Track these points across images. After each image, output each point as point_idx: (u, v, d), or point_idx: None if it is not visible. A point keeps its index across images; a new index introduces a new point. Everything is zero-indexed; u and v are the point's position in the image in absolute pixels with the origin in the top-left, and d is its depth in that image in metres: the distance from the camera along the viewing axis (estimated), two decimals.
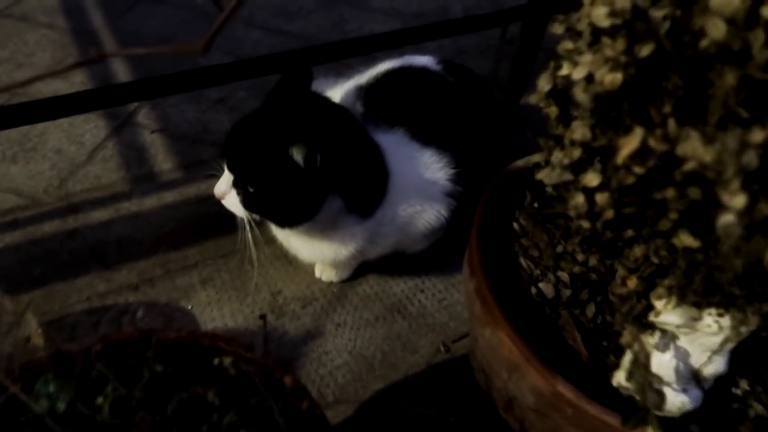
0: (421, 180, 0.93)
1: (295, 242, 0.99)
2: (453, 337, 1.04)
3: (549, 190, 0.83)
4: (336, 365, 0.98)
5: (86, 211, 1.15)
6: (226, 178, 0.88)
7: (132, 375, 0.51)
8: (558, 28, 0.55)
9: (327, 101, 0.92)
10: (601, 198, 0.54)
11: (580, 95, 0.52)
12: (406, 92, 0.99)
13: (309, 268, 1.10)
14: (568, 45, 0.54)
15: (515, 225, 0.76)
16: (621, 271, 0.66)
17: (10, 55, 1.47)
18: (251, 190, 0.85)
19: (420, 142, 0.94)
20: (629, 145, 0.43)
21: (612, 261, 0.69)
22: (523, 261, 0.73)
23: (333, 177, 0.85)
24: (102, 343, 0.55)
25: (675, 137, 0.44)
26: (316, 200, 0.86)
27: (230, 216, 0.99)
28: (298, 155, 0.81)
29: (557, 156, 0.54)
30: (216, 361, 0.53)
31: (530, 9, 1.29)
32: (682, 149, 0.43)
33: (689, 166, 0.43)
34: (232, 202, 0.89)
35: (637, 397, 0.56)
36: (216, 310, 1.03)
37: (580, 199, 0.54)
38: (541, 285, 0.71)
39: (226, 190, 0.88)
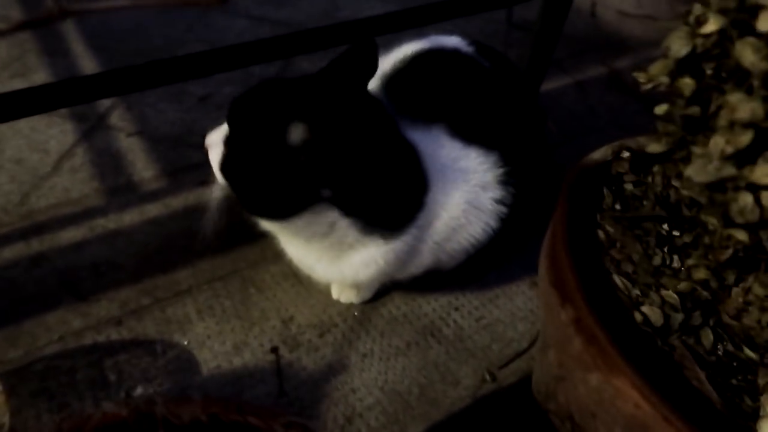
0: (468, 187, 0.77)
1: (308, 258, 0.82)
2: (498, 363, 0.89)
3: (629, 188, 0.68)
4: (366, 405, 0.82)
5: (54, 231, 0.97)
6: (222, 131, 0.73)
7: None
8: None
9: (371, 98, 0.75)
10: None
11: (751, 57, 0.37)
12: (441, 80, 0.84)
13: (324, 288, 0.94)
14: None
15: (600, 233, 0.61)
16: (758, 290, 0.51)
17: None
18: (233, 151, 0.70)
19: (463, 139, 0.78)
20: None
21: (737, 276, 0.54)
22: (617, 279, 0.58)
23: (342, 191, 0.69)
24: (87, 428, 0.38)
25: None
26: (298, 198, 0.70)
27: (227, 231, 0.82)
28: (295, 134, 0.66)
29: (716, 143, 0.38)
30: None
31: None
32: None
33: None
34: (214, 157, 0.73)
35: None
36: (217, 345, 0.86)
37: (747, 200, 0.39)
38: (645, 309, 0.56)
39: (215, 142, 0.73)
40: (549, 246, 0.60)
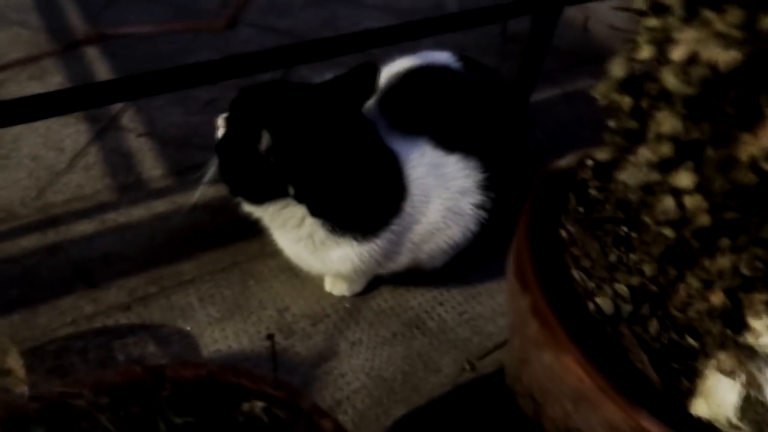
0: (448, 193, 0.84)
1: (291, 248, 0.90)
2: (478, 354, 0.96)
3: (593, 192, 0.75)
4: (353, 389, 0.89)
5: (68, 223, 1.05)
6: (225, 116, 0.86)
7: (143, 429, 0.42)
8: (641, 2, 0.47)
9: (352, 114, 0.83)
10: (693, 201, 0.46)
11: (673, 80, 0.44)
12: (430, 94, 0.91)
13: (318, 281, 1.01)
14: (651, 21, 0.46)
15: (562, 232, 0.68)
16: (694, 284, 0.58)
17: None
18: (226, 137, 0.83)
19: (445, 149, 0.85)
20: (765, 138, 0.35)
21: (678, 271, 0.61)
22: (575, 273, 0.65)
23: (313, 192, 0.78)
24: (102, 386, 0.45)
25: None
26: (267, 189, 0.81)
27: (230, 226, 0.90)
28: (264, 140, 0.76)
29: (643, 153, 0.45)
30: (246, 406, 0.44)
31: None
32: None
33: None
34: (218, 134, 0.85)
35: None
36: (218, 331, 0.93)
37: (669, 202, 0.46)
38: (598, 300, 0.63)
39: (220, 124, 0.86)
40: (514, 242, 0.67)
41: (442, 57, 0.98)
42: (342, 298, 1.00)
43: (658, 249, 0.54)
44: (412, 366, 0.93)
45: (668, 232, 0.48)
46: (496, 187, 0.89)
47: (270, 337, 0.93)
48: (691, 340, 0.63)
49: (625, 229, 0.70)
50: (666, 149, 0.45)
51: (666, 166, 0.46)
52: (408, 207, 0.83)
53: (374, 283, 1.02)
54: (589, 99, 1.68)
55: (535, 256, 0.61)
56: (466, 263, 0.99)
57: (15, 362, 0.75)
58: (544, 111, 1.51)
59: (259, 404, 0.44)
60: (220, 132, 0.85)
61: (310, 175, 0.77)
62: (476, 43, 1.71)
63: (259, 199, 0.81)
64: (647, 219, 0.50)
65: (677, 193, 0.46)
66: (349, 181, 0.79)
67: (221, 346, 0.91)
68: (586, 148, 0.73)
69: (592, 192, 0.74)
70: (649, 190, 0.48)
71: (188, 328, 0.93)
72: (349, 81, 0.81)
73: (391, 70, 0.95)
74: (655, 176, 0.46)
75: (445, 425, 0.86)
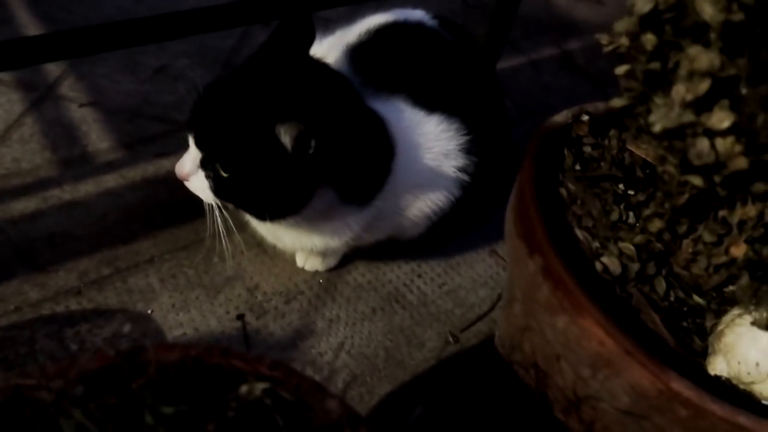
0: (431, 154, 0.79)
1: (276, 230, 0.83)
2: (460, 326, 0.92)
3: (588, 150, 0.72)
4: (334, 368, 0.83)
5: (4, 201, 0.94)
6: (192, 156, 0.71)
7: (125, 423, 0.35)
8: None
9: (324, 66, 0.76)
10: (726, 144, 0.42)
11: (710, 10, 0.40)
12: (405, 52, 0.85)
13: (289, 257, 0.94)
14: None
15: (562, 190, 0.65)
16: (707, 237, 0.55)
17: None
18: (224, 174, 0.69)
19: (425, 108, 0.80)
20: None
21: (689, 226, 0.58)
22: (578, 232, 0.61)
23: (327, 166, 0.69)
24: (70, 375, 0.38)
25: None
26: (304, 192, 0.71)
27: (189, 201, 0.82)
28: (285, 136, 0.65)
29: (678, 91, 0.41)
30: (244, 389, 0.38)
31: None
32: None
33: None
34: (198, 185, 0.72)
35: None
36: (182, 314, 0.85)
37: (704, 144, 0.42)
38: (604, 259, 0.60)
39: (191, 171, 0.72)
40: (516, 200, 0.63)
41: (416, 14, 0.92)
42: (315, 273, 0.94)
43: (682, 199, 0.51)
44: (395, 341, 0.88)
45: (697, 180, 0.44)
46: (478, 152, 0.84)
47: (240, 317, 0.86)
48: (697, 298, 0.60)
49: (622, 187, 0.67)
50: (703, 86, 0.41)
51: (700, 105, 0.42)
52: (396, 166, 0.77)
53: (348, 258, 0.96)
54: (553, 66, 1.64)
55: (543, 215, 0.57)
56: (444, 232, 0.95)
57: None
58: (511, 79, 1.48)
59: (260, 386, 0.38)
60: (198, 179, 0.71)
61: (349, 152, 0.69)
62: (437, 10, 1.65)
63: (300, 204, 0.71)
64: (671, 168, 0.47)
65: (711, 135, 0.42)
66: (357, 143, 0.73)
67: (187, 330, 0.84)
68: (581, 104, 0.69)
69: (587, 150, 0.70)
70: (679, 134, 0.44)
71: (149, 312, 0.85)
72: (294, 36, 0.72)
73: (361, 27, 0.89)
74: (689, 117, 0.42)
75: (433, 401, 0.82)
